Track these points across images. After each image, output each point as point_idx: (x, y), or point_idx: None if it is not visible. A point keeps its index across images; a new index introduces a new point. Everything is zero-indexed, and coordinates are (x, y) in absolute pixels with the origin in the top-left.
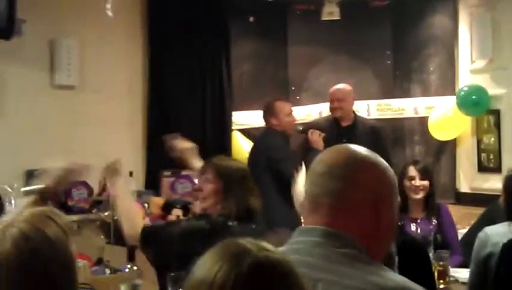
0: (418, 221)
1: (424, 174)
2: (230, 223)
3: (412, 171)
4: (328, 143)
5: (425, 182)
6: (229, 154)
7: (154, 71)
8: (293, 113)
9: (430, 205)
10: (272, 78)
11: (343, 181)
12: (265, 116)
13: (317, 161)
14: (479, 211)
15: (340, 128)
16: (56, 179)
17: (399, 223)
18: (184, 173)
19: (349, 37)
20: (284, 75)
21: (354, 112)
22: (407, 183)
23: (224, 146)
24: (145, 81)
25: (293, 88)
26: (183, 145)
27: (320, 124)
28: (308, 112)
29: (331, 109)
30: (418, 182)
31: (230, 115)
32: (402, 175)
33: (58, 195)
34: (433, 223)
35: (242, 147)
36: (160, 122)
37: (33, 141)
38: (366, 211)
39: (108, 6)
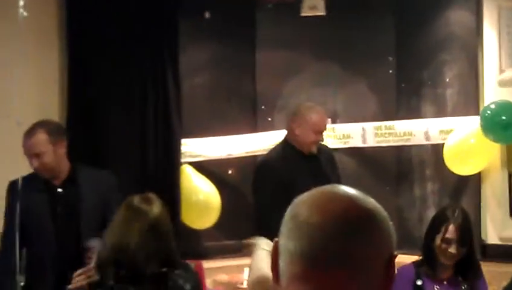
0: (444, 283)
1: (465, 237)
2: None
3: (451, 232)
4: (291, 179)
5: (464, 249)
6: (177, 196)
7: (74, 89)
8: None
9: (464, 267)
10: (234, 93)
11: (360, 239)
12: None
13: (307, 207)
14: (511, 268)
15: (303, 159)
16: None
17: (418, 283)
18: None
19: (338, 38)
20: (250, 90)
21: None
22: (441, 244)
23: (170, 185)
24: (61, 103)
25: (262, 107)
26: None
27: (279, 160)
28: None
29: (312, 143)
30: (455, 248)
31: (179, 144)
32: (434, 230)
33: None
34: (463, 288)
35: (195, 186)
36: (83, 157)
37: None
38: (380, 274)
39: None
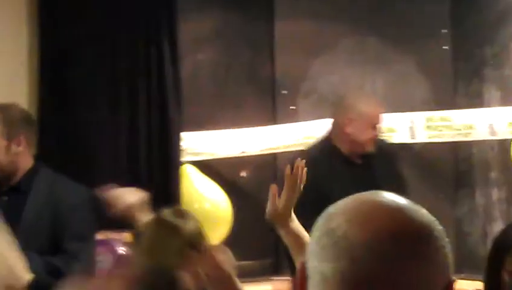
0: None
1: None
2: None
3: None
4: (325, 189)
5: None
6: (176, 201)
7: (47, 73)
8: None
9: None
10: (248, 75)
11: (414, 261)
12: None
13: (345, 219)
14: None
15: (347, 166)
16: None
17: None
18: (105, 235)
19: (379, 5)
20: (268, 70)
21: None
22: (509, 281)
23: (168, 191)
24: (30, 92)
25: (283, 92)
26: (130, 199)
27: (319, 158)
28: (309, 133)
29: (369, 141)
30: None
31: (179, 139)
32: (497, 261)
33: None
34: None
35: (196, 190)
36: (61, 158)
37: None
38: None
39: None
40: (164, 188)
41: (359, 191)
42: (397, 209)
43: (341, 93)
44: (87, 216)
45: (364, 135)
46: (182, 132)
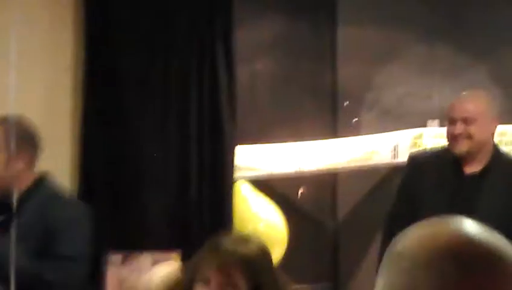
0: None
1: None
2: None
3: None
4: (435, 204)
5: None
6: (229, 220)
7: (95, 82)
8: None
9: None
10: (308, 85)
11: (476, 280)
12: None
13: (406, 237)
14: None
15: (462, 178)
16: None
17: None
18: (151, 255)
19: (450, 11)
20: (329, 80)
21: (494, 145)
22: None
23: (220, 210)
24: (74, 102)
25: (346, 102)
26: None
27: (426, 162)
28: (372, 147)
29: (451, 137)
30: None
31: (233, 153)
32: None
33: None
34: None
35: (250, 209)
36: (106, 174)
37: None
38: None
39: None
40: (216, 207)
41: (454, 207)
42: (467, 233)
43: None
44: (82, 232)
45: (447, 132)
46: (236, 145)
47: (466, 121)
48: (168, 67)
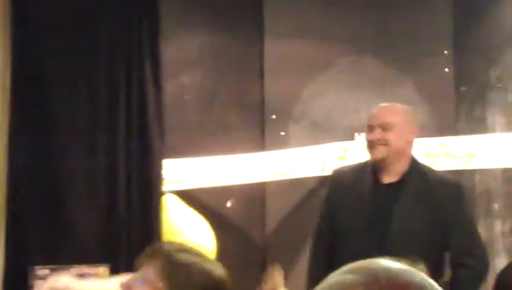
0: None
1: None
2: None
3: None
4: (354, 216)
5: None
6: (158, 236)
7: (21, 92)
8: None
9: None
10: (235, 98)
11: None
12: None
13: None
14: None
15: (379, 188)
16: None
17: None
18: (79, 269)
19: (377, 25)
20: (256, 94)
21: (411, 156)
22: None
23: (147, 223)
24: (2, 108)
25: (272, 116)
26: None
27: (346, 176)
28: (300, 160)
29: (368, 144)
30: None
31: (161, 167)
32: None
33: None
34: None
35: (178, 221)
36: (31, 184)
37: None
38: None
39: None
40: (144, 220)
41: (374, 218)
42: (393, 271)
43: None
44: None
45: (366, 140)
46: (163, 159)
47: (383, 127)
48: (96, 81)
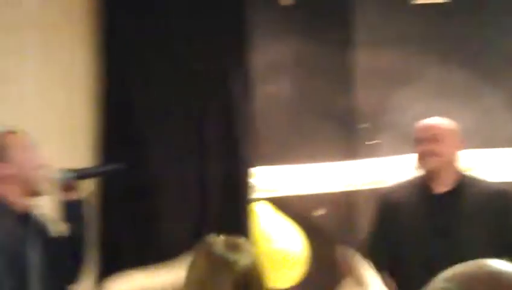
0: None
1: None
2: None
3: None
4: (412, 228)
5: None
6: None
7: (111, 100)
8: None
9: None
10: (323, 105)
11: None
12: None
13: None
14: None
15: (431, 198)
16: None
17: None
18: None
19: (465, 33)
20: (346, 102)
21: (458, 167)
22: None
23: (237, 227)
24: (89, 120)
25: (362, 125)
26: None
27: (396, 195)
28: (390, 169)
29: (420, 155)
30: None
31: (249, 174)
32: None
33: None
34: None
35: (268, 229)
36: (125, 190)
37: None
38: None
39: None
40: (234, 227)
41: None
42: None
43: None
44: None
45: (416, 152)
46: (253, 166)
47: (434, 138)
48: (184, 90)
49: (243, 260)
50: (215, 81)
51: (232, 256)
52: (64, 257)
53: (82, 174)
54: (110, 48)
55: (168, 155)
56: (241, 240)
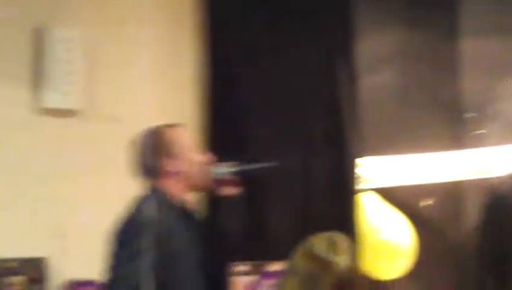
0: None
1: None
2: None
3: None
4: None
5: None
6: (352, 229)
7: (215, 92)
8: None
9: None
10: (428, 95)
11: None
12: None
13: None
14: None
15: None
16: None
17: None
18: (272, 267)
19: None
20: (452, 92)
21: None
22: None
23: (342, 220)
24: (197, 108)
25: (468, 114)
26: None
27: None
28: (497, 159)
29: None
30: None
31: (356, 165)
32: None
33: None
34: None
35: (375, 219)
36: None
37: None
38: None
39: None
40: (339, 217)
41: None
42: None
43: None
44: None
45: None
46: (360, 157)
47: None
48: (288, 80)
49: (343, 262)
50: (321, 73)
51: (333, 257)
52: (220, 254)
53: (241, 171)
54: (217, 44)
55: (275, 149)
56: (342, 239)
